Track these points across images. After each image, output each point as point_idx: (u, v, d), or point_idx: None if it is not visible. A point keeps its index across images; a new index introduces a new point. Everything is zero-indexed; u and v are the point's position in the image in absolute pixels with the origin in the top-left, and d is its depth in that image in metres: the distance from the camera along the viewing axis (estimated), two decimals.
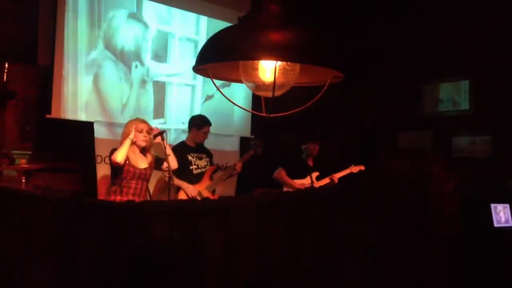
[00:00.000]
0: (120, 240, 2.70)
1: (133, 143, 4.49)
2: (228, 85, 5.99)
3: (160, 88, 6.31)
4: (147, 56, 6.16)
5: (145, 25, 6.14)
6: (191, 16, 6.56)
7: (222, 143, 6.56)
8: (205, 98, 6.65)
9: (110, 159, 4.46)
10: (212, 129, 5.57)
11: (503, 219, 5.69)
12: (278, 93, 2.72)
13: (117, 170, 4.42)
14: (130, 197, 4.34)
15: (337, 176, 6.04)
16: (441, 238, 3.50)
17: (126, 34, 5.98)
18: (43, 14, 5.55)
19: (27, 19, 5.48)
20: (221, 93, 3.00)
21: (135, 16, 6.06)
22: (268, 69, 2.67)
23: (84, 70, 5.60)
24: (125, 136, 4.51)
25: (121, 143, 4.52)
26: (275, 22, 2.62)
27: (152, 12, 6.24)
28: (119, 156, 4.35)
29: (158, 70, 6.24)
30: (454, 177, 3.66)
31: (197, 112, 6.45)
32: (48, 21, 5.52)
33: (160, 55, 6.28)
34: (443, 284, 3.52)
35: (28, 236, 2.59)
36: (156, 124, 6.01)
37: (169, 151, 4.59)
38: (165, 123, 6.26)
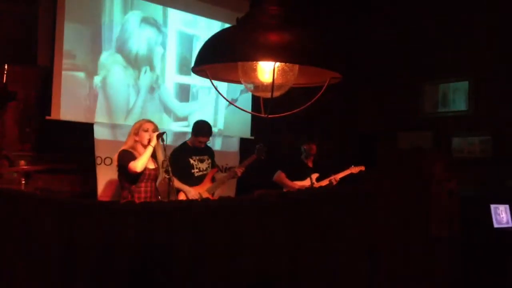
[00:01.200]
0: (120, 240, 2.71)
1: (137, 141, 4.47)
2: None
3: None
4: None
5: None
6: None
7: (223, 144, 6.58)
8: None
9: (124, 165, 4.36)
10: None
11: (503, 219, 5.69)
12: (277, 94, 2.72)
13: (126, 173, 4.38)
14: (142, 200, 4.32)
15: (338, 177, 6.02)
16: (441, 238, 3.51)
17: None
18: (43, 15, 5.55)
19: (27, 20, 5.48)
20: (220, 94, 3.00)
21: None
22: (267, 70, 2.68)
23: (84, 72, 5.60)
24: (131, 134, 4.49)
25: (126, 141, 4.51)
26: (273, 23, 2.63)
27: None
28: (140, 166, 4.31)
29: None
30: (455, 177, 3.66)
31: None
32: (47, 22, 5.52)
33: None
34: (443, 284, 3.52)
35: (28, 237, 2.59)
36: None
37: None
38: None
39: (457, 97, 7.05)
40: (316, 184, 5.93)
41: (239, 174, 5.47)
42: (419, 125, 7.27)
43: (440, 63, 7.07)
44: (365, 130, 7.64)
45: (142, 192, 4.40)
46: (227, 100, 3.01)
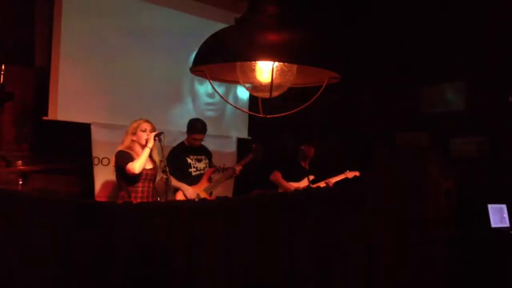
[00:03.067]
0: (119, 240, 2.71)
1: (135, 141, 4.46)
2: None
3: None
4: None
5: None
6: None
7: (220, 144, 6.57)
8: None
9: (121, 166, 4.35)
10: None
11: (500, 219, 5.70)
12: (275, 94, 2.72)
13: (124, 174, 4.37)
14: (139, 201, 4.31)
15: (332, 180, 6.04)
16: (438, 238, 3.52)
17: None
18: (40, 15, 5.53)
19: (24, 21, 5.47)
20: (219, 94, 3.00)
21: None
22: (265, 70, 2.68)
23: (82, 72, 5.59)
24: (128, 134, 4.48)
25: (123, 141, 4.50)
26: (272, 23, 2.63)
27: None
28: (138, 167, 4.30)
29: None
30: (452, 176, 3.68)
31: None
32: (45, 23, 5.50)
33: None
34: (440, 283, 3.53)
35: (28, 237, 2.59)
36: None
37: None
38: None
39: (455, 97, 7.06)
40: (312, 186, 5.94)
41: (237, 172, 5.47)
42: (416, 126, 7.27)
43: (438, 64, 7.07)
44: (363, 130, 7.64)
45: (139, 192, 4.39)
46: (225, 100, 3.01)
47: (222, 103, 6.63)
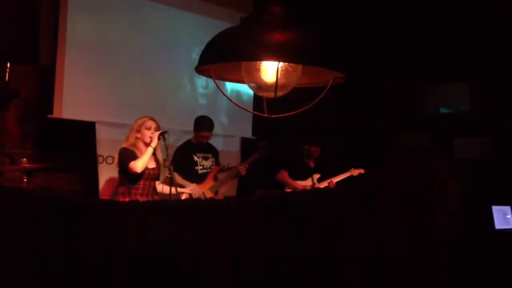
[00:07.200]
0: (122, 239, 2.71)
1: (139, 139, 4.46)
2: None
3: None
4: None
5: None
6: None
7: (224, 143, 6.57)
8: None
9: (123, 164, 4.35)
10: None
11: (505, 221, 5.70)
12: (280, 93, 2.73)
13: (126, 172, 4.38)
14: (139, 198, 4.31)
15: (336, 179, 6.04)
16: (444, 238, 3.51)
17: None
18: (45, 13, 5.54)
19: (29, 19, 5.47)
20: (223, 93, 3.00)
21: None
22: (270, 70, 2.68)
23: (87, 70, 5.59)
24: (132, 131, 4.48)
25: (127, 138, 4.50)
26: (277, 23, 2.63)
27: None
28: (140, 166, 4.29)
29: None
30: (458, 177, 3.67)
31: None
32: (50, 20, 5.51)
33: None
34: (445, 285, 3.52)
35: (30, 235, 2.59)
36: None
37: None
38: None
39: (458, 97, 7.04)
40: (317, 185, 5.94)
41: (242, 173, 5.43)
42: (419, 126, 7.26)
43: (441, 63, 7.06)
44: (365, 131, 7.63)
45: (139, 189, 4.38)
46: (230, 100, 3.01)
47: (226, 102, 6.62)
